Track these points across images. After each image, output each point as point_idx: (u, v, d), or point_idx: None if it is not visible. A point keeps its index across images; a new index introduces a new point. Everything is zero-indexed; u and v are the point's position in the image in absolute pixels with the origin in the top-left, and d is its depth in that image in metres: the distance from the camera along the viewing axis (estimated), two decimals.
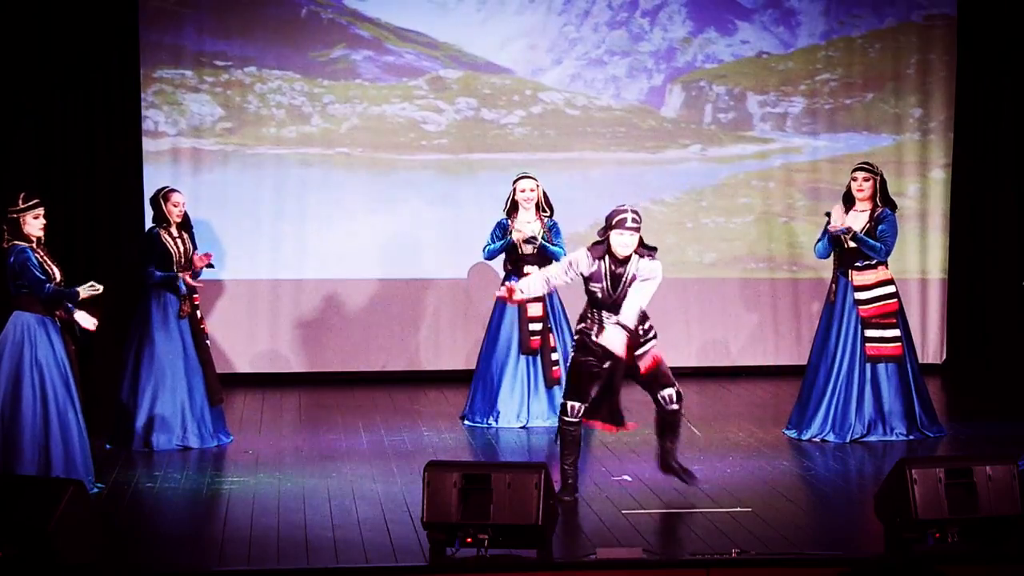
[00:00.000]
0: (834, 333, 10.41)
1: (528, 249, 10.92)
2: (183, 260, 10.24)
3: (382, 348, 13.09)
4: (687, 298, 13.09)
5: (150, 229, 10.40)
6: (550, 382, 10.99)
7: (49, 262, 8.90)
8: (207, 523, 8.46)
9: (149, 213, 12.36)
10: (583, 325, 8.71)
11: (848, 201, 10.40)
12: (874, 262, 10.29)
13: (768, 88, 13.41)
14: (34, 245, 8.89)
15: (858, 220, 10.28)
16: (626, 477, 9.27)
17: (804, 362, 10.88)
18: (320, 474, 9.42)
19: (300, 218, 12.94)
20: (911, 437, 10.36)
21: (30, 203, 8.91)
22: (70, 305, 8.98)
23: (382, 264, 13.04)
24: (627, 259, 8.52)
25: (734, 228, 13.31)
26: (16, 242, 8.87)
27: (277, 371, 12.92)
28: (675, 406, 8.76)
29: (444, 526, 7.23)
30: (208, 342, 10.46)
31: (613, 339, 8.51)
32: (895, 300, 10.36)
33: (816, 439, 10.36)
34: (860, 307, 10.33)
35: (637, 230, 8.48)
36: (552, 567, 7.22)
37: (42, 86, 12.35)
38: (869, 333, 10.32)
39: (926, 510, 7.24)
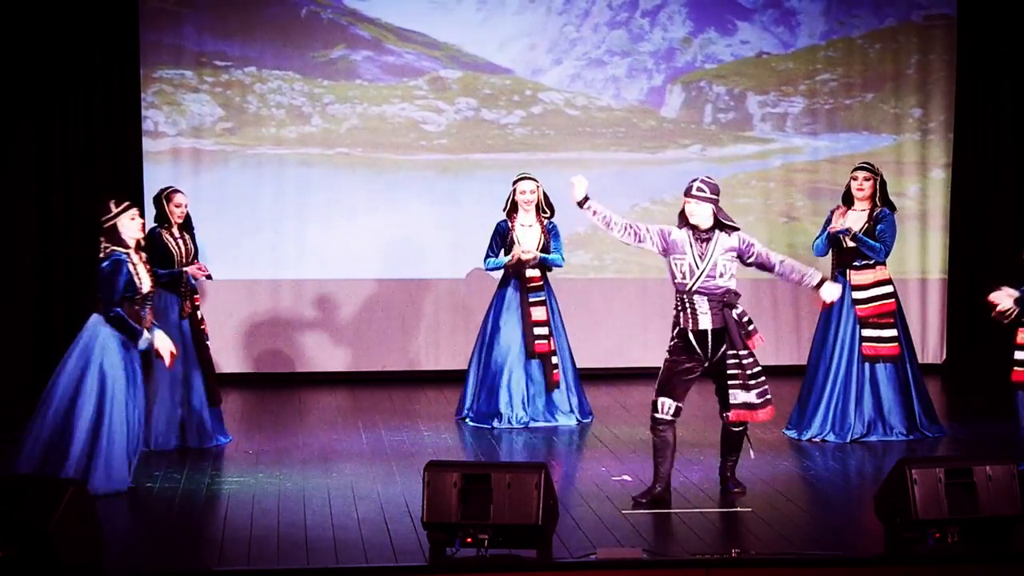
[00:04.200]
0: (832, 333, 10.41)
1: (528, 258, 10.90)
2: (185, 260, 10.25)
3: (382, 348, 13.09)
4: None
5: (151, 229, 10.40)
6: (551, 386, 10.97)
7: (140, 272, 8.81)
8: (207, 523, 8.45)
9: (149, 213, 12.41)
10: (678, 329, 8.57)
11: (847, 201, 10.41)
12: (872, 262, 10.29)
13: (768, 88, 13.41)
14: (131, 251, 8.81)
15: (857, 220, 10.29)
16: (626, 477, 9.27)
17: (804, 362, 10.88)
18: (320, 474, 9.42)
19: (300, 218, 12.95)
20: (911, 437, 10.36)
21: (123, 206, 8.85)
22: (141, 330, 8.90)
23: (382, 264, 13.05)
24: (710, 232, 8.49)
25: None
26: (115, 249, 8.81)
27: (277, 371, 12.92)
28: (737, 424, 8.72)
29: (444, 526, 7.22)
30: (208, 343, 10.45)
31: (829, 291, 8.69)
32: (892, 300, 10.36)
33: (816, 439, 10.35)
34: (857, 307, 10.33)
35: (706, 200, 8.44)
36: (552, 567, 7.22)
37: (42, 86, 12.35)
38: (866, 333, 10.32)
39: (926, 510, 7.24)
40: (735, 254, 8.55)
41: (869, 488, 8.70)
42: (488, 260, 11.01)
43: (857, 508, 8.56)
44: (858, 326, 10.33)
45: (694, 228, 8.51)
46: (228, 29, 12.85)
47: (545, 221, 10.95)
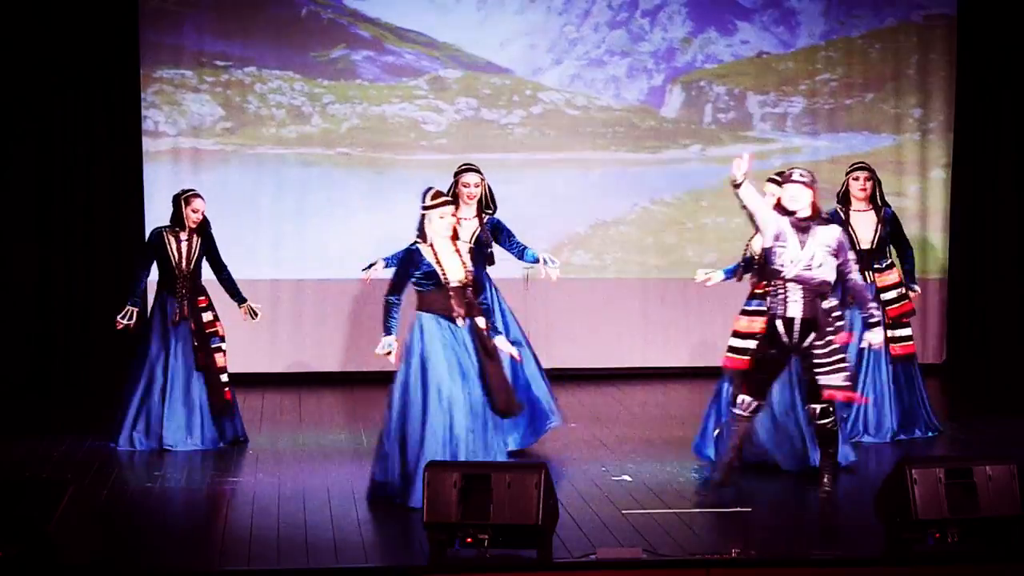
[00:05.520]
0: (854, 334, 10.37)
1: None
2: (184, 264, 10.20)
3: None
4: (687, 298, 13.08)
5: (154, 229, 10.37)
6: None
7: (446, 261, 8.60)
8: (207, 523, 8.46)
9: (149, 213, 12.42)
10: (770, 304, 8.65)
11: (845, 201, 10.39)
12: (890, 262, 10.32)
13: (768, 88, 13.41)
14: (432, 243, 8.64)
15: (866, 221, 10.26)
16: (626, 477, 9.27)
17: None
18: (320, 474, 9.42)
19: (300, 218, 12.95)
20: (910, 436, 10.35)
21: (440, 201, 8.71)
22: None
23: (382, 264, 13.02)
24: (808, 221, 8.53)
25: (734, 228, 13.27)
26: (416, 240, 8.71)
27: (277, 371, 12.91)
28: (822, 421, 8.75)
29: (444, 526, 7.23)
30: (222, 345, 10.33)
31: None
32: (909, 299, 10.37)
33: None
34: (887, 307, 10.30)
35: (806, 185, 8.53)
36: (552, 567, 7.22)
37: (42, 86, 12.35)
38: (892, 333, 10.30)
39: (926, 510, 7.24)
40: (833, 249, 8.58)
41: (869, 488, 8.70)
42: (394, 255, 9.88)
43: (857, 508, 8.56)
44: (885, 327, 10.32)
45: (791, 215, 8.55)
46: (228, 29, 12.85)
47: (486, 218, 10.15)
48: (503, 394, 8.59)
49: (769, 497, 8.79)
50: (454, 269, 8.63)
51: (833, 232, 8.62)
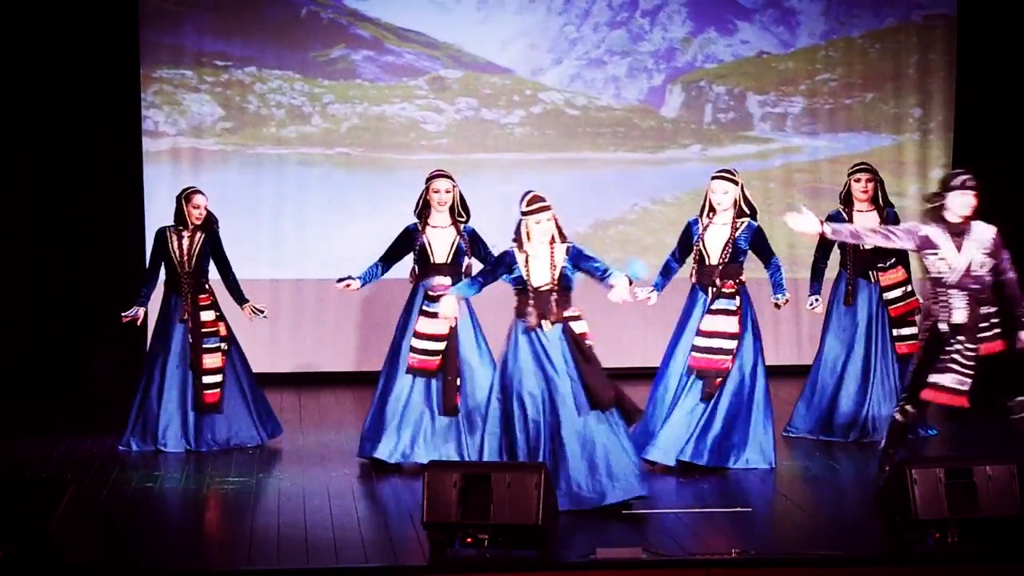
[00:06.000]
0: (860, 334, 10.36)
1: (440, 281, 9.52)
2: (187, 262, 10.19)
3: (382, 348, 13.03)
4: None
5: (159, 229, 10.37)
6: (446, 409, 9.63)
7: (535, 266, 8.50)
8: (207, 523, 8.45)
9: (149, 213, 12.44)
10: (930, 321, 8.45)
11: (847, 202, 10.41)
12: (893, 261, 10.32)
13: (768, 88, 13.42)
14: (523, 247, 8.52)
15: (868, 221, 10.26)
16: None
17: (804, 362, 10.87)
18: (320, 474, 9.42)
19: (300, 218, 12.95)
20: (914, 436, 10.35)
21: (534, 206, 8.47)
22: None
23: None
24: (964, 225, 8.32)
25: None
26: (512, 244, 8.61)
27: (277, 371, 12.90)
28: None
29: (444, 526, 7.23)
30: (221, 345, 10.27)
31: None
32: (915, 298, 10.38)
33: (819, 438, 10.34)
34: (891, 307, 10.32)
35: (977, 193, 8.30)
36: (552, 567, 7.22)
37: (42, 86, 12.35)
38: (898, 332, 10.32)
39: (926, 510, 7.24)
40: (989, 249, 8.37)
41: (869, 488, 8.70)
42: (367, 271, 10.11)
43: (857, 508, 8.56)
44: (889, 326, 10.32)
45: (946, 223, 8.34)
46: (228, 29, 12.85)
47: (462, 226, 9.83)
48: (600, 392, 8.52)
49: (769, 497, 8.78)
50: (541, 273, 8.56)
51: (989, 231, 8.38)
